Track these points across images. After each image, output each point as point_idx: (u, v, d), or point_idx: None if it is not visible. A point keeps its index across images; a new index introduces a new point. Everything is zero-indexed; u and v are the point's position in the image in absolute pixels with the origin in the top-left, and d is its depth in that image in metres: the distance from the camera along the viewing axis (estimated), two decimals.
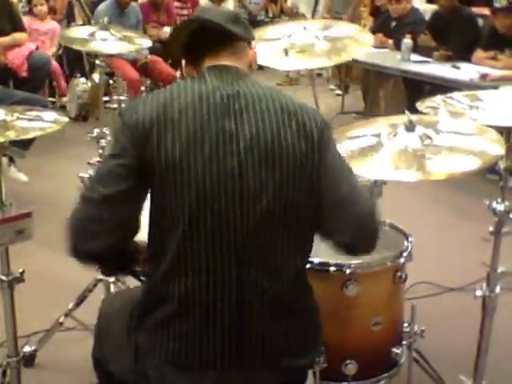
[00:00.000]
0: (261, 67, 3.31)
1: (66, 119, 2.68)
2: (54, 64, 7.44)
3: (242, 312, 1.96)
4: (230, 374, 1.98)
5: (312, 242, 2.11)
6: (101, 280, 3.35)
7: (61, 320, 3.44)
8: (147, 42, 4.59)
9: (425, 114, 2.55)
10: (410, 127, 2.32)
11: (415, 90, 7.05)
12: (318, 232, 2.06)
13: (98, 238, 1.93)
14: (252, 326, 1.97)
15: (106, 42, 4.10)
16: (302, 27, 3.29)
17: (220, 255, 1.92)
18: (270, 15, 11.71)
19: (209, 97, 1.93)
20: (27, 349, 3.35)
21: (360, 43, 3.31)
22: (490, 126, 2.36)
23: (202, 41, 2.06)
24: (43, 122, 2.74)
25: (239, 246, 1.92)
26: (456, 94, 2.62)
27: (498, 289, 2.50)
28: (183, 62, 2.14)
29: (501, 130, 2.38)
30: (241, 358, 1.97)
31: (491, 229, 2.43)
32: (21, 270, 2.70)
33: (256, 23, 10.45)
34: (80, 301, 3.44)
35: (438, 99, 2.60)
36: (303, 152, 1.95)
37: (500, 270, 2.47)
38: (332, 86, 9.79)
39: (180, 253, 1.93)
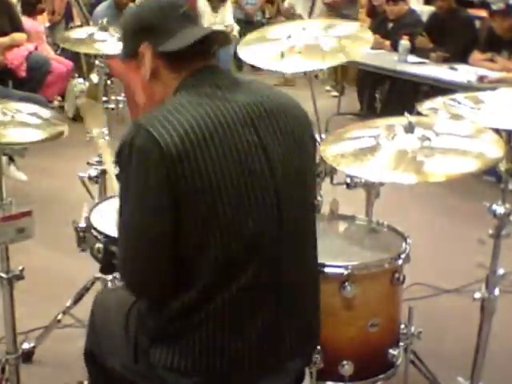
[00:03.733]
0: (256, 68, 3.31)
1: (63, 128, 2.66)
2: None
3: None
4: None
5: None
6: (98, 278, 3.35)
7: (59, 317, 3.45)
8: None
9: (423, 115, 2.54)
10: (409, 129, 2.31)
11: (412, 91, 7.05)
12: None
13: None
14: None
15: (105, 42, 4.09)
16: (302, 28, 3.27)
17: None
18: (267, 16, 11.70)
19: (229, 112, 1.88)
20: (26, 345, 3.36)
21: (362, 41, 3.30)
22: (491, 129, 2.35)
23: (188, 56, 1.97)
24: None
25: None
26: (457, 96, 2.61)
27: (496, 291, 2.49)
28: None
29: (500, 133, 2.37)
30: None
31: (491, 231, 2.43)
32: (20, 268, 2.70)
33: (252, 24, 10.43)
34: (78, 298, 3.44)
35: (438, 101, 2.59)
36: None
37: (499, 272, 2.47)
38: (328, 88, 9.78)
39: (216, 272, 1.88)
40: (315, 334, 2.18)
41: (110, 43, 4.12)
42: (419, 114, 2.55)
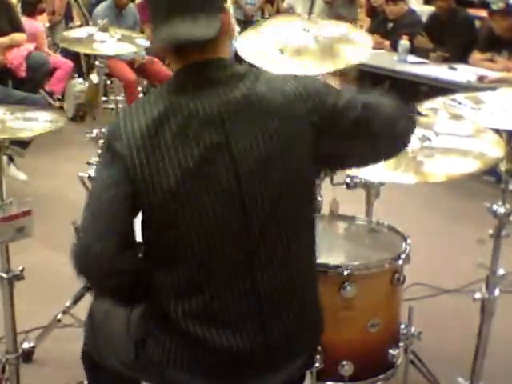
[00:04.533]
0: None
1: (62, 123, 2.66)
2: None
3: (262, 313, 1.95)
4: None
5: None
6: None
7: (59, 317, 3.45)
8: (145, 42, 4.57)
9: (422, 115, 2.54)
10: None
11: (412, 91, 7.03)
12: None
13: None
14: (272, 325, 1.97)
15: (105, 43, 4.09)
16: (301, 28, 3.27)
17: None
18: (266, 16, 11.68)
19: (191, 113, 1.85)
20: (26, 345, 3.36)
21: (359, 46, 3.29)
22: (492, 129, 2.35)
23: (179, 49, 1.91)
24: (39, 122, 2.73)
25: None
26: (457, 96, 2.60)
27: (497, 291, 2.49)
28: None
29: (500, 133, 2.36)
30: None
31: (491, 231, 2.42)
32: (21, 268, 2.71)
33: (252, 24, 10.41)
34: (77, 298, 3.44)
35: (438, 101, 2.58)
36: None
37: (499, 272, 2.47)
38: None
39: (194, 274, 1.91)
40: (311, 334, 2.12)
41: (109, 44, 4.12)
42: (419, 113, 2.55)
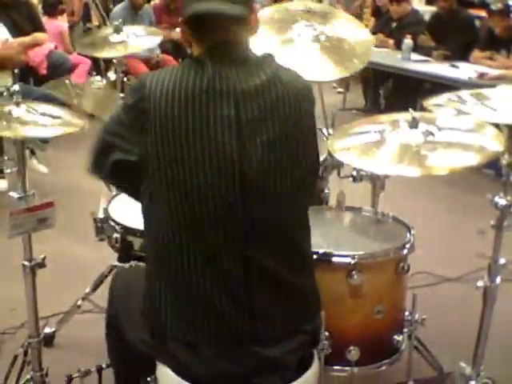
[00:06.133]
0: None
1: (84, 123, 2.66)
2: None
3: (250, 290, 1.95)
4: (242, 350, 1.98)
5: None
6: (116, 266, 3.35)
7: (78, 303, 3.47)
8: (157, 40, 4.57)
9: (426, 110, 2.52)
10: (413, 124, 2.29)
11: (415, 88, 7.02)
12: None
13: None
14: (259, 303, 1.97)
15: (122, 44, 4.09)
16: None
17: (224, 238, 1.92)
18: None
19: (208, 89, 1.88)
20: (47, 330, 3.39)
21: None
22: (494, 124, 2.34)
23: (206, 30, 1.96)
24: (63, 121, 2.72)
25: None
26: (460, 92, 2.59)
27: (498, 280, 2.48)
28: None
29: (500, 127, 2.35)
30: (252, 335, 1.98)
31: (493, 222, 2.41)
32: (42, 256, 2.70)
33: None
34: (96, 285, 3.44)
35: (442, 97, 2.57)
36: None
37: (501, 261, 2.45)
38: (334, 84, 9.75)
39: (183, 241, 1.93)
40: (306, 316, 2.12)
41: (126, 44, 4.11)
42: (422, 109, 2.54)
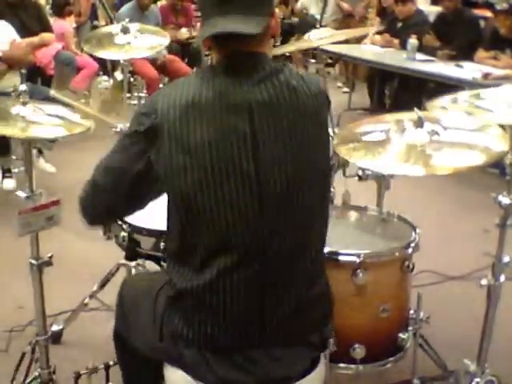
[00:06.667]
0: None
1: (92, 124, 2.66)
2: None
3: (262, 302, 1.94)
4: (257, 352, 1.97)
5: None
6: (123, 264, 3.36)
7: (86, 301, 3.48)
8: (166, 40, 4.55)
9: (431, 110, 2.52)
10: (419, 123, 2.29)
11: (420, 87, 7.01)
12: None
13: None
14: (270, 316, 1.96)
15: (128, 45, 4.09)
16: None
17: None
18: (281, 16, 11.65)
19: (221, 98, 1.87)
20: (55, 327, 3.40)
21: None
22: (497, 123, 2.33)
23: (223, 41, 1.93)
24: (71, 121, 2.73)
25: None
26: (465, 92, 2.59)
27: (502, 278, 2.48)
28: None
29: (505, 127, 2.34)
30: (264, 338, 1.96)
31: (497, 221, 2.41)
32: (49, 255, 2.71)
33: None
34: (103, 283, 3.45)
35: (448, 97, 2.57)
36: None
37: (505, 260, 2.45)
38: (339, 84, 9.75)
39: (202, 257, 1.92)
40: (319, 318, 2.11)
41: (132, 46, 4.11)
42: (427, 109, 2.54)
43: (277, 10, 11.25)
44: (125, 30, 4.15)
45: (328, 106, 2.05)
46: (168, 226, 2.04)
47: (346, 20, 9.71)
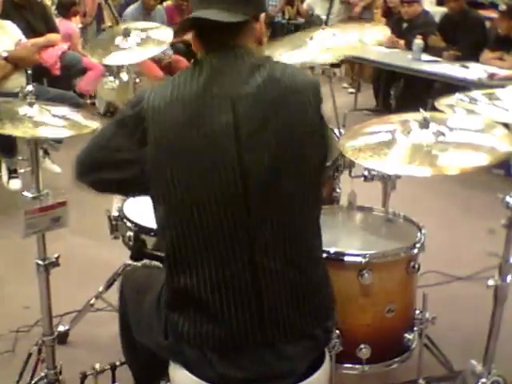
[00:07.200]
0: None
1: (98, 124, 2.66)
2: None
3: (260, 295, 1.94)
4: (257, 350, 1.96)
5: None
6: (129, 265, 3.37)
7: (92, 301, 3.49)
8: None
9: (437, 111, 2.52)
10: (425, 124, 2.29)
11: (425, 88, 7.00)
12: None
13: None
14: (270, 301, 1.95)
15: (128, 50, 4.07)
16: None
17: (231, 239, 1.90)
18: (287, 17, 11.66)
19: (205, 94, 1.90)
20: (61, 328, 3.41)
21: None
22: (502, 124, 2.33)
23: (206, 34, 2.00)
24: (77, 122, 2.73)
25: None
26: (471, 93, 2.59)
27: (509, 278, 2.48)
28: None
29: (510, 128, 2.34)
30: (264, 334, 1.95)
31: (503, 222, 2.40)
32: (56, 255, 2.71)
33: (273, 25, 10.39)
34: (109, 284, 3.46)
35: (453, 97, 2.56)
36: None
37: (511, 260, 2.45)
38: (345, 85, 9.75)
39: (188, 251, 1.93)
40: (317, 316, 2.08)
41: (134, 50, 4.08)
42: (433, 109, 2.53)
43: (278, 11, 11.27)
44: (127, 33, 4.12)
45: (318, 97, 2.00)
46: (157, 227, 2.04)
47: (350, 20, 9.71)
